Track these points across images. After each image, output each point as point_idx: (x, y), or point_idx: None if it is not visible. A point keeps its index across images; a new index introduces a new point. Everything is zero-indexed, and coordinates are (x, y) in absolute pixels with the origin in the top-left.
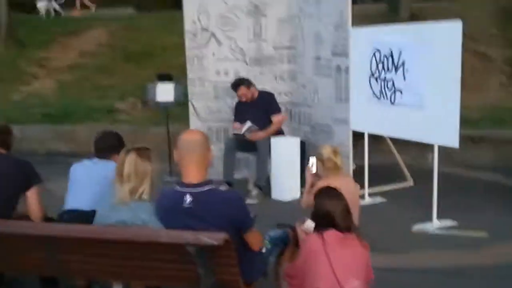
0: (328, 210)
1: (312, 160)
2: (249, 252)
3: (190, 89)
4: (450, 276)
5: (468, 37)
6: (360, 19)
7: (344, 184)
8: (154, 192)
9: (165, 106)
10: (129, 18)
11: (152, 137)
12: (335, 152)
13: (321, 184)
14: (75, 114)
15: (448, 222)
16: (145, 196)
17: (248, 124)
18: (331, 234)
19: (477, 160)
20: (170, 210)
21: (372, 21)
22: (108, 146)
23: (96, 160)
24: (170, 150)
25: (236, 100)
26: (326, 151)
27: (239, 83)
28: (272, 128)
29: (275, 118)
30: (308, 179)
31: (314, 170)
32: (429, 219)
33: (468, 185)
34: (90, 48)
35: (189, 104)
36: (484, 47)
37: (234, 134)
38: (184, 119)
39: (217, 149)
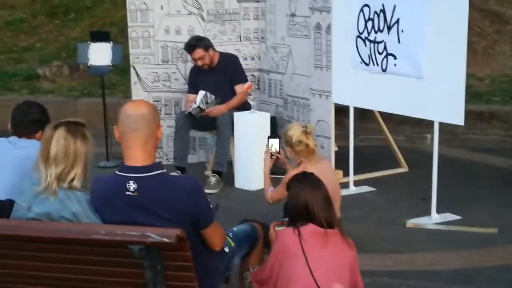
0: (305, 202)
1: (272, 141)
2: (209, 252)
3: (132, 51)
4: (453, 280)
5: None
6: None
7: (321, 170)
8: (88, 179)
9: (100, 72)
10: None
11: (84, 110)
12: (306, 132)
13: (293, 171)
14: None
15: (450, 216)
16: (76, 183)
17: (202, 93)
18: (309, 230)
19: (486, 142)
20: (109, 200)
21: None
22: (29, 121)
23: (14, 138)
24: (106, 127)
25: (191, 65)
26: (296, 132)
27: (194, 44)
28: (236, 100)
29: (240, 88)
30: (267, 164)
31: (274, 151)
32: (427, 212)
33: (474, 171)
34: None
35: (131, 69)
36: (495, 5)
37: (188, 112)
38: (124, 89)
39: (166, 127)
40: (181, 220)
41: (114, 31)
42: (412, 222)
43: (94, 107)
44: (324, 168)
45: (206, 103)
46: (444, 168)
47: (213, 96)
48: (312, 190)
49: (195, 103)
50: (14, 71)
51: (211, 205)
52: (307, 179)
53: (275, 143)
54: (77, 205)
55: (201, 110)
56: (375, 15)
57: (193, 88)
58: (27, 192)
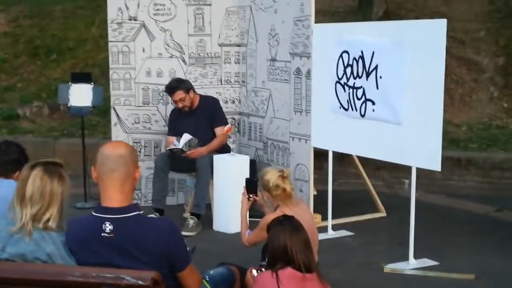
0: (284, 245)
1: (249, 184)
2: None
3: (113, 92)
4: None
5: (452, 40)
6: (324, 14)
7: (299, 214)
8: (64, 220)
9: (80, 113)
10: (38, 1)
11: (63, 151)
12: (282, 177)
13: (271, 215)
14: None
15: (428, 262)
16: (52, 224)
17: (187, 137)
18: (287, 274)
19: (463, 187)
20: (84, 241)
21: (340, 17)
22: (7, 161)
23: None
24: (85, 168)
25: (171, 107)
26: (272, 177)
27: (175, 86)
28: (216, 142)
29: (220, 131)
30: (244, 206)
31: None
32: (405, 257)
33: (452, 217)
34: None
35: (111, 110)
36: (472, 53)
37: (169, 150)
38: (104, 130)
39: (145, 168)
40: (157, 262)
41: (96, 72)
42: (389, 267)
43: (73, 147)
44: (301, 212)
45: (189, 146)
46: (422, 213)
47: (196, 141)
48: (292, 234)
49: (177, 144)
50: None
51: (187, 248)
52: (287, 222)
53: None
54: (52, 246)
55: (182, 151)
56: (354, 61)
57: (173, 130)
58: (2, 232)
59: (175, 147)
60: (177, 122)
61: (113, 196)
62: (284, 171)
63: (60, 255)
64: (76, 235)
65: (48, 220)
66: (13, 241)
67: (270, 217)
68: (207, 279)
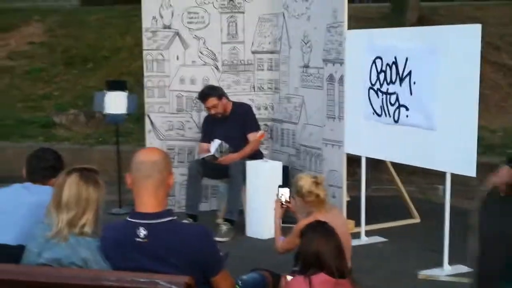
0: (317, 250)
1: (282, 191)
2: None
3: (147, 99)
4: None
5: (487, 45)
6: (358, 21)
7: (331, 220)
8: (99, 225)
9: (115, 120)
10: (73, 11)
11: (98, 158)
12: (316, 183)
13: (304, 221)
14: (2, 129)
15: (463, 268)
16: (87, 229)
17: (218, 142)
18: (320, 279)
19: None
20: (119, 246)
21: (373, 23)
22: (44, 168)
23: (28, 184)
24: (120, 174)
25: (205, 114)
26: (306, 183)
27: (208, 93)
28: (249, 148)
29: (253, 137)
30: (277, 213)
31: (284, 201)
32: (439, 264)
33: None
34: (21, 47)
35: (146, 118)
36: (507, 58)
37: (201, 158)
38: (138, 137)
39: (179, 175)
40: (190, 267)
41: (131, 81)
42: (424, 274)
43: (108, 154)
44: (334, 218)
45: (221, 152)
46: (456, 219)
47: (227, 145)
48: (324, 239)
49: (210, 152)
50: (31, 119)
51: (221, 253)
52: (320, 228)
53: (285, 193)
54: (87, 251)
55: (215, 158)
56: (387, 67)
57: (206, 136)
58: (38, 237)
59: (207, 155)
60: (210, 129)
61: (147, 202)
62: (317, 177)
63: (95, 260)
64: (110, 240)
65: (84, 225)
66: (49, 246)
67: (303, 223)
68: (240, 284)
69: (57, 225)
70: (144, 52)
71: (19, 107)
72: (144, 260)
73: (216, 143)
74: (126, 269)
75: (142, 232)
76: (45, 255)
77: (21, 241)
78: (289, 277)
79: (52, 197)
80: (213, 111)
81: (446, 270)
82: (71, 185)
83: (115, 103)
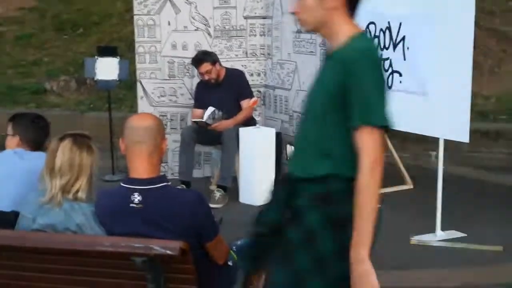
0: None
1: (209, 110)
2: (212, 266)
3: (139, 65)
4: None
5: (481, 11)
6: None
7: None
8: (93, 191)
9: (106, 87)
10: None
11: (90, 124)
12: None
13: None
14: None
15: (455, 233)
16: (81, 195)
17: (211, 109)
18: None
19: (492, 160)
20: (113, 212)
21: None
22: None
23: (20, 150)
24: (112, 141)
25: (197, 80)
26: None
27: (202, 59)
28: (242, 115)
29: (246, 103)
30: None
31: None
32: (432, 229)
33: (479, 189)
34: (11, 13)
35: (137, 84)
36: (501, 24)
37: (194, 122)
38: (130, 103)
39: (171, 141)
40: (184, 233)
41: (122, 47)
42: (416, 239)
43: (100, 121)
44: None
45: (213, 119)
46: (449, 185)
47: (220, 113)
48: None
49: (202, 118)
50: (22, 85)
51: (215, 219)
52: None
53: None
54: (81, 217)
55: (207, 124)
56: (381, 32)
57: (199, 102)
58: (32, 203)
59: (199, 120)
60: (203, 95)
61: (141, 167)
62: None
63: (90, 226)
64: (105, 205)
65: (78, 191)
66: (43, 212)
67: None
68: (234, 249)
69: (50, 191)
70: (135, 17)
71: (9, 74)
72: (139, 226)
73: (209, 110)
74: (121, 235)
75: (137, 197)
76: (39, 221)
77: (15, 207)
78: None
79: (45, 163)
80: (206, 77)
81: (439, 236)
82: (64, 151)
83: (106, 69)
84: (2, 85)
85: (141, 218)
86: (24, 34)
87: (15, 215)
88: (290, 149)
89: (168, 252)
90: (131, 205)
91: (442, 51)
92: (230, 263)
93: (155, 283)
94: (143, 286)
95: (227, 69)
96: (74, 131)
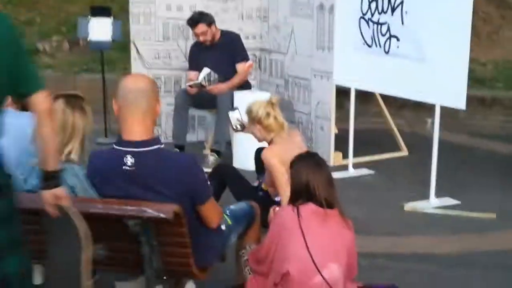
0: (307, 181)
1: (232, 115)
2: (205, 229)
3: (133, 26)
4: (450, 264)
5: None
6: None
7: (292, 143)
8: (86, 153)
9: (100, 47)
10: None
11: (83, 86)
12: (271, 103)
13: (269, 152)
14: None
15: (449, 201)
16: (73, 157)
17: (206, 70)
18: (308, 209)
19: (487, 127)
20: (106, 174)
21: None
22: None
23: (11, 111)
24: (105, 103)
25: (191, 42)
26: (260, 106)
27: (198, 19)
28: (237, 79)
29: (241, 67)
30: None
31: (238, 125)
32: (426, 196)
33: (474, 157)
34: None
35: (131, 45)
36: None
37: (189, 86)
38: (123, 65)
39: (165, 105)
40: (178, 195)
41: (115, 7)
42: (410, 206)
43: (93, 83)
44: (295, 142)
45: (208, 81)
46: (444, 152)
47: (216, 75)
48: (315, 170)
49: (197, 80)
50: None
51: (208, 182)
52: (311, 159)
53: (235, 115)
54: (73, 178)
55: (202, 86)
56: None
57: (193, 65)
58: (24, 164)
59: (194, 82)
60: (197, 57)
61: (134, 129)
62: (271, 98)
63: (82, 187)
64: (97, 168)
65: (70, 152)
66: (36, 173)
67: (269, 153)
68: (228, 213)
69: None
70: None
71: None
72: (132, 188)
73: (204, 71)
74: (113, 197)
75: (130, 160)
76: (32, 182)
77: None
78: (278, 208)
79: None
80: (201, 38)
81: (433, 203)
82: (57, 112)
83: (100, 29)
84: None
85: (134, 181)
86: None
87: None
88: (232, 113)
89: (161, 215)
90: (123, 167)
91: (441, 16)
92: (223, 227)
93: (148, 246)
94: (136, 249)
95: (222, 31)
96: (67, 92)
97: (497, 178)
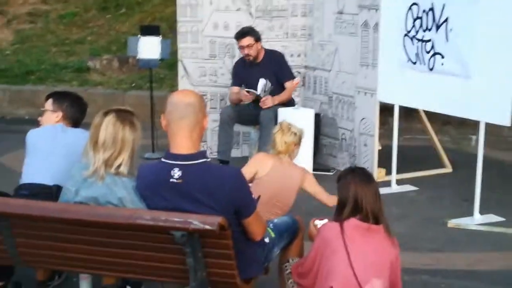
0: (355, 195)
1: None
2: (249, 242)
3: (181, 45)
4: (493, 282)
5: None
6: None
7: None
8: (135, 166)
9: (148, 65)
10: None
11: (132, 103)
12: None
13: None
14: (37, 73)
15: (493, 217)
16: (123, 169)
17: (263, 81)
18: (352, 224)
19: None
20: (154, 187)
21: None
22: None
23: (60, 126)
24: (153, 119)
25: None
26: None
27: (246, 32)
28: (285, 95)
29: (289, 84)
30: None
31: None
32: (470, 213)
33: None
34: None
35: (179, 63)
36: None
37: (247, 91)
38: (171, 83)
39: (211, 121)
40: (223, 208)
41: (164, 26)
42: (454, 222)
43: (141, 100)
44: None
45: (265, 91)
46: (489, 169)
47: (270, 83)
48: (363, 184)
49: (256, 91)
50: (65, 63)
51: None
52: (360, 172)
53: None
54: (123, 191)
55: (259, 97)
56: (424, 13)
57: (237, 80)
58: (76, 176)
59: (253, 92)
60: (242, 73)
61: (182, 143)
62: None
63: (131, 199)
64: (146, 180)
65: (120, 165)
66: (87, 185)
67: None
68: (271, 226)
69: (94, 165)
70: None
71: (53, 52)
72: (178, 201)
73: (261, 82)
74: (161, 209)
75: (177, 172)
76: (82, 194)
77: (57, 181)
78: (317, 222)
79: (89, 137)
80: (246, 51)
81: (477, 219)
82: (108, 125)
83: (149, 48)
84: (47, 63)
85: (180, 193)
86: (68, 13)
87: (57, 188)
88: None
89: (207, 227)
90: (171, 180)
91: (486, 33)
92: (266, 239)
93: (193, 257)
94: (181, 260)
95: (266, 50)
96: (118, 107)
97: None
